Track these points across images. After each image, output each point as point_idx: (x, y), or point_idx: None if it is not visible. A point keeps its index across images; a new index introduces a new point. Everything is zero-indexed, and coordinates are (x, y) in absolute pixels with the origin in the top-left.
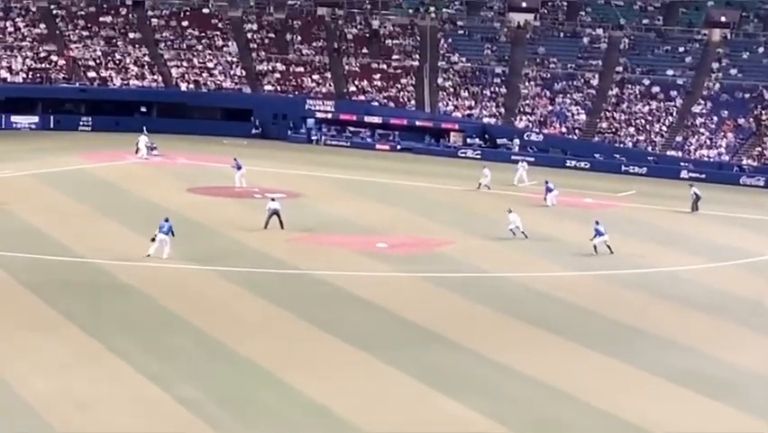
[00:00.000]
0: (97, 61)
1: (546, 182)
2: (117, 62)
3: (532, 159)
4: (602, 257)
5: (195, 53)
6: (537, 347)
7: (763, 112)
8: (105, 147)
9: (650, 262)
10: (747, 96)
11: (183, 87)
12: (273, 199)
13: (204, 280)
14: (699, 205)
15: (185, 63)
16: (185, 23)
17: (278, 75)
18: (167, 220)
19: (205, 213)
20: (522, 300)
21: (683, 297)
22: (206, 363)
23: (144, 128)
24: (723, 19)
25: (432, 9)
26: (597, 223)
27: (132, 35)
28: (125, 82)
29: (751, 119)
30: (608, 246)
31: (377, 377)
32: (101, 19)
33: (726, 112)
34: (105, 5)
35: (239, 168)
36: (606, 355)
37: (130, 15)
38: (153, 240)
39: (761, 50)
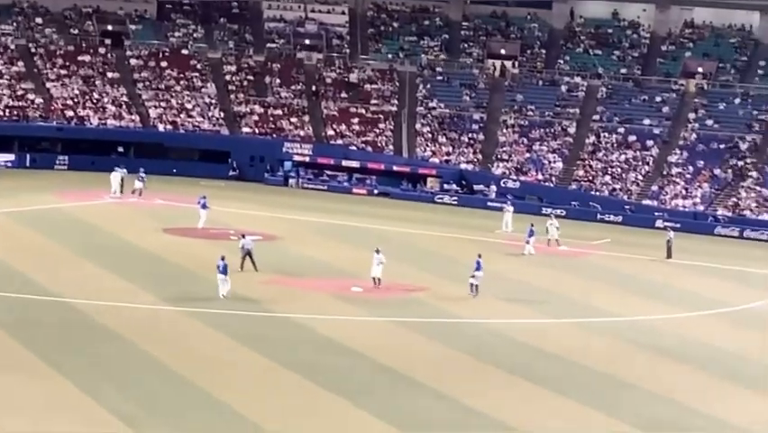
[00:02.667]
0: (75, 100)
1: (531, 225)
2: (95, 101)
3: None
4: (576, 304)
5: (173, 94)
6: (511, 394)
7: (739, 163)
8: (81, 186)
9: (624, 310)
10: (723, 146)
11: (161, 127)
12: (243, 236)
13: (179, 321)
14: (673, 252)
15: (163, 104)
16: (164, 64)
17: (256, 117)
18: (223, 259)
19: (181, 254)
20: (496, 347)
21: (658, 346)
22: (180, 407)
23: (119, 166)
24: (700, 70)
25: (411, 55)
26: (479, 256)
27: (110, 75)
28: (103, 121)
29: (727, 169)
30: (477, 286)
31: (351, 422)
32: (79, 58)
33: (701, 162)
34: (83, 44)
35: (204, 207)
36: (581, 404)
37: (108, 55)
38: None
39: (737, 101)
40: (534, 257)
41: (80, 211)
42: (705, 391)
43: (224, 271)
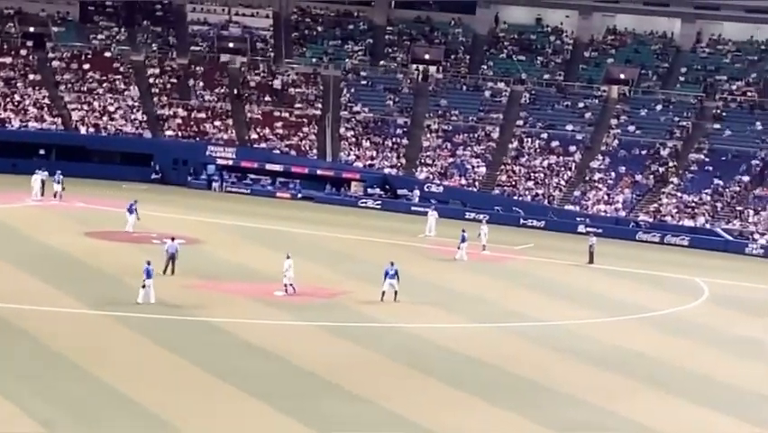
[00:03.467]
0: None
1: (462, 231)
2: (16, 104)
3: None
4: (497, 308)
5: (95, 96)
6: (430, 398)
7: (660, 169)
8: (1, 189)
9: (546, 315)
10: (645, 152)
11: (83, 130)
12: (173, 239)
13: (100, 325)
14: (595, 257)
15: (85, 106)
16: (86, 66)
17: (179, 120)
18: (149, 263)
19: (103, 257)
20: (418, 351)
21: (578, 350)
22: (98, 410)
23: (40, 169)
24: (622, 76)
25: (335, 59)
26: (391, 264)
27: (32, 77)
28: (24, 124)
29: (648, 175)
30: (392, 293)
31: (272, 426)
32: (0, 60)
33: (623, 168)
34: (5, 46)
35: (132, 212)
36: (498, 407)
37: (30, 57)
38: (144, 287)
39: (658, 107)
40: (458, 262)
41: (0, 214)
42: (622, 394)
43: (149, 275)
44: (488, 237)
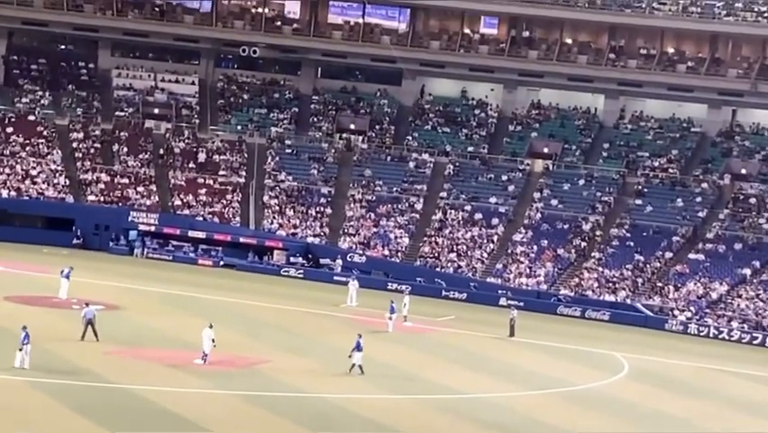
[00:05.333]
0: None
1: (391, 302)
2: None
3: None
4: (417, 380)
5: (18, 160)
6: None
7: (582, 243)
8: None
9: (466, 387)
10: (567, 226)
11: (4, 193)
12: (87, 305)
13: (17, 391)
14: (516, 330)
15: (7, 169)
16: (9, 130)
17: (102, 185)
18: (24, 328)
19: (21, 322)
20: (335, 421)
21: (498, 423)
22: None
23: None
24: (546, 150)
25: (261, 127)
26: (359, 336)
27: None
28: None
29: (570, 249)
30: (361, 367)
31: None
32: None
33: (545, 241)
34: None
35: (67, 277)
36: None
37: None
38: (21, 349)
39: (581, 182)
40: (380, 333)
41: None
42: None
43: (26, 339)
44: (409, 308)
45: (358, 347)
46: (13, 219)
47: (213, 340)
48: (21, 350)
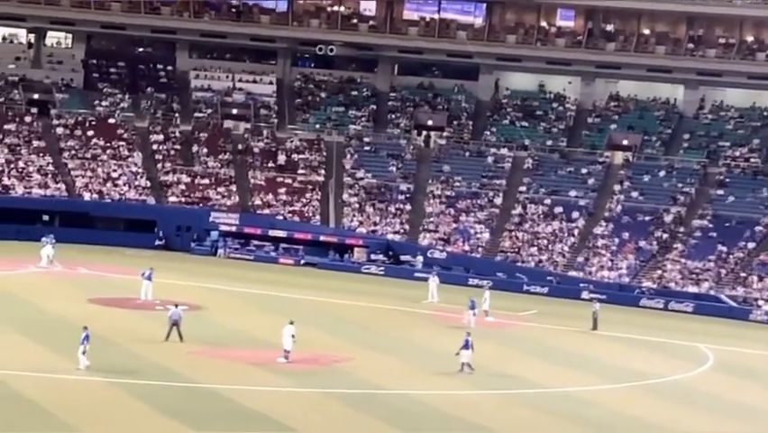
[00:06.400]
0: (0, 169)
1: (471, 299)
2: (20, 170)
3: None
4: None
5: (99, 163)
6: None
7: (664, 235)
8: (5, 256)
9: (549, 382)
10: (648, 218)
11: (86, 196)
12: (176, 306)
13: (103, 392)
14: (599, 323)
15: (89, 173)
16: (90, 133)
17: (182, 186)
18: (85, 329)
19: (106, 324)
20: (419, 418)
21: (583, 418)
22: None
23: (46, 237)
24: (625, 142)
25: (338, 125)
26: (467, 335)
27: (36, 143)
28: (28, 190)
29: (652, 241)
30: (469, 364)
31: None
32: (5, 126)
33: (627, 234)
34: (9, 113)
35: (148, 278)
36: None
37: (34, 123)
38: (84, 353)
39: (661, 173)
40: (463, 329)
41: (4, 281)
42: None
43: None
44: (489, 303)
45: (466, 345)
46: (96, 222)
47: (293, 336)
48: (84, 353)
